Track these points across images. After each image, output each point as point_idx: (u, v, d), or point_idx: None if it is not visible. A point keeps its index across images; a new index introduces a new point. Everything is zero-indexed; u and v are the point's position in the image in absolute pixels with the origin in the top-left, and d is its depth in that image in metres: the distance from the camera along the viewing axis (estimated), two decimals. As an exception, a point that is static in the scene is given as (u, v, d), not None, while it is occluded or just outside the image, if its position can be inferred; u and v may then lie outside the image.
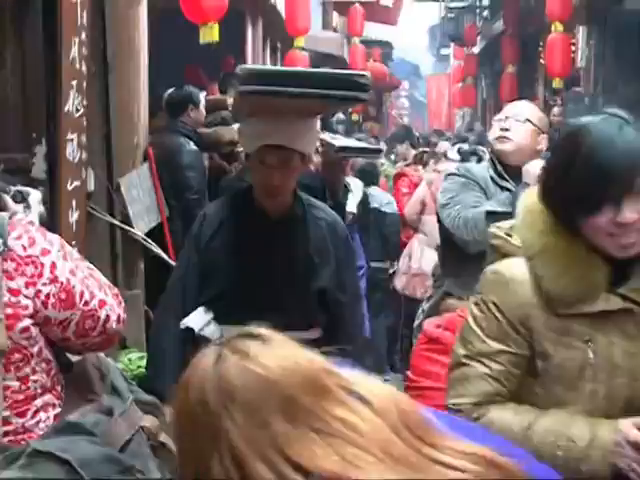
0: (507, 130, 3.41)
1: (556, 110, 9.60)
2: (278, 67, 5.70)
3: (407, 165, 7.54)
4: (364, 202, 5.54)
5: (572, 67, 9.26)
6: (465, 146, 6.66)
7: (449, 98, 25.92)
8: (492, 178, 3.44)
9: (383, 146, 8.23)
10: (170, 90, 5.36)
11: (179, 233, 4.88)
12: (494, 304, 1.85)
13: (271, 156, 2.70)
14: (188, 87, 5.39)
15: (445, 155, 6.72)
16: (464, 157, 5.64)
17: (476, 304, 1.89)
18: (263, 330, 1.12)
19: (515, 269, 1.86)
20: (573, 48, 9.52)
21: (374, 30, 20.47)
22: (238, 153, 5.59)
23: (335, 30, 16.88)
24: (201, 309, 2.77)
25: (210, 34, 5.22)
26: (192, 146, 5.02)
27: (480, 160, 5.83)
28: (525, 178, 3.34)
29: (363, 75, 2.62)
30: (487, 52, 17.98)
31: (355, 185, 5.33)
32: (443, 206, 3.47)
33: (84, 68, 3.68)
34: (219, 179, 5.32)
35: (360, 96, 2.64)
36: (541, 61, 12.22)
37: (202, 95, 5.38)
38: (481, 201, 3.38)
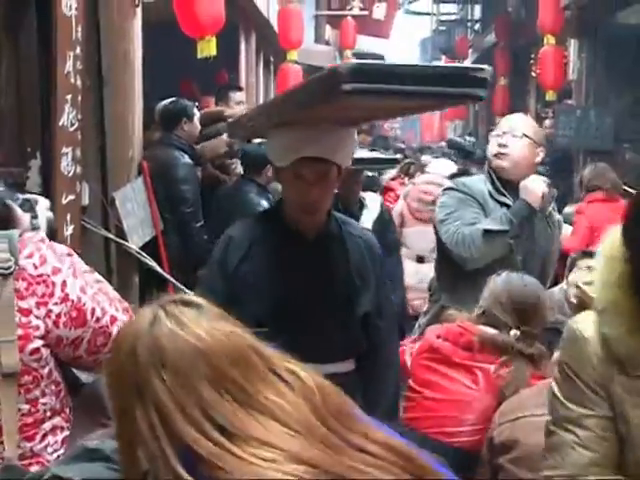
0: (505, 146, 3.42)
1: (547, 123, 9.65)
2: (385, 62, 4.93)
3: (393, 178, 7.44)
4: (382, 218, 5.08)
5: (564, 80, 9.30)
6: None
7: (441, 110, 25.96)
8: (490, 193, 3.44)
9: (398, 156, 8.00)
10: (163, 103, 5.35)
11: (174, 247, 4.87)
12: (567, 365, 1.72)
13: (309, 170, 2.43)
14: (182, 100, 5.38)
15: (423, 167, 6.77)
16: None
17: (557, 364, 1.77)
18: (199, 299, 1.20)
19: (585, 325, 1.70)
20: (565, 61, 9.56)
21: (366, 43, 20.53)
22: (230, 165, 5.59)
23: (327, 43, 16.92)
24: None
25: (208, 48, 5.21)
26: (187, 159, 5.01)
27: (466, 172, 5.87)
28: (522, 194, 3.36)
29: (482, 69, 2.20)
30: (479, 64, 18.04)
31: (371, 199, 5.06)
32: (441, 222, 3.45)
33: (79, 82, 3.68)
34: (213, 189, 5.32)
35: (478, 93, 2.20)
36: (532, 74, 12.28)
37: (196, 109, 5.38)
38: (479, 218, 3.37)
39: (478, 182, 3.53)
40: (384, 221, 4.99)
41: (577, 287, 3.61)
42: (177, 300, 1.17)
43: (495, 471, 2.46)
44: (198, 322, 1.12)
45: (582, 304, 3.58)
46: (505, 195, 3.40)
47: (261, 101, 9.79)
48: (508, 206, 3.37)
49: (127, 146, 4.61)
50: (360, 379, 2.60)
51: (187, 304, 1.16)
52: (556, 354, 1.83)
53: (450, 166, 6.86)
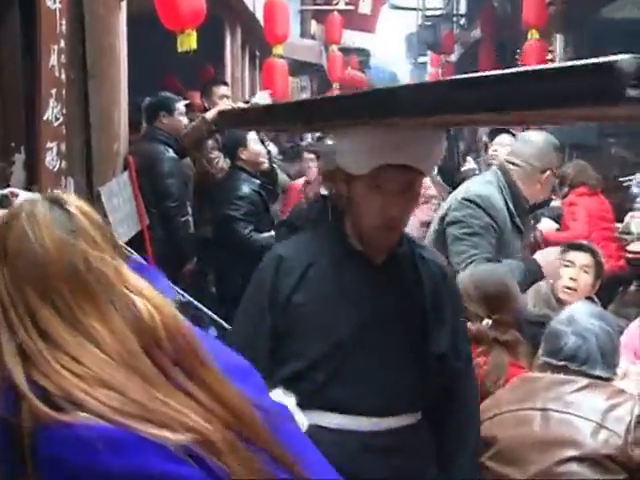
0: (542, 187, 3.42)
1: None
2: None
3: None
4: None
5: (549, 74, 9.31)
6: None
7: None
8: (510, 214, 3.38)
9: None
10: (148, 98, 5.34)
11: (160, 241, 4.86)
12: None
13: (392, 179, 2.01)
14: (163, 94, 5.35)
15: None
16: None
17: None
18: (77, 201, 1.20)
19: None
20: (550, 56, 9.59)
21: (352, 38, 20.52)
22: (213, 159, 5.55)
23: (313, 38, 16.90)
24: (279, 391, 1.99)
25: (188, 42, 5.20)
26: (171, 154, 5.00)
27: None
28: (541, 261, 3.38)
29: None
30: (464, 60, 18.08)
31: None
32: (456, 239, 3.31)
33: (63, 76, 3.65)
34: (205, 186, 5.30)
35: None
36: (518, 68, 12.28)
37: (180, 103, 5.33)
38: (492, 251, 3.29)
39: (498, 197, 3.39)
40: None
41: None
42: (54, 199, 1.19)
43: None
44: (51, 229, 1.14)
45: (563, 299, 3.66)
46: (521, 217, 3.38)
47: (247, 96, 9.77)
48: (519, 229, 3.38)
49: (112, 140, 4.59)
50: (432, 435, 2.19)
51: (60, 206, 1.17)
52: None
53: None
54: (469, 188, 3.51)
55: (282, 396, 1.89)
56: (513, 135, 5.26)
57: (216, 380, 1.15)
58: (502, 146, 5.16)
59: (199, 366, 1.14)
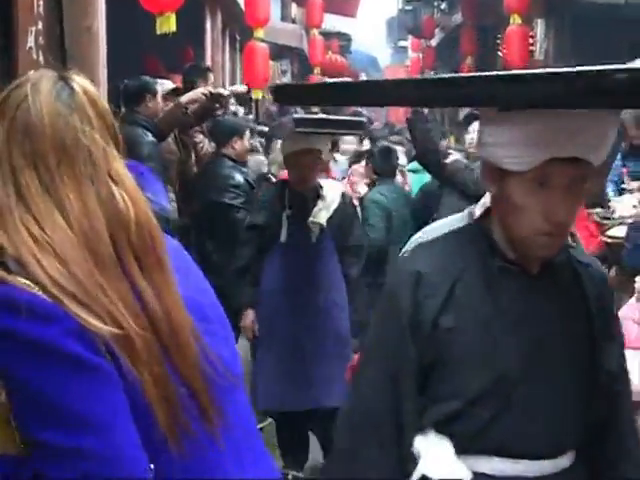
0: None
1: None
2: None
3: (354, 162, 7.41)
4: (343, 212, 4.23)
5: (530, 59, 9.33)
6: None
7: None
8: None
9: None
10: (126, 81, 5.27)
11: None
12: None
13: (560, 175, 1.66)
14: (143, 77, 5.29)
15: None
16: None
17: None
18: (83, 81, 1.22)
19: None
20: (532, 40, 9.60)
21: (333, 22, 20.45)
22: (198, 144, 5.51)
23: (294, 22, 16.84)
24: (431, 435, 1.67)
25: (167, 24, 5.16)
26: (150, 137, 4.94)
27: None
28: None
29: None
30: (445, 44, 18.07)
31: (330, 187, 4.32)
32: None
33: (41, 58, 3.60)
34: (187, 171, 5.27)
35: None
36: (499, 53, 12.31)
37: (158, 85, 5.27)
38: None
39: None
40: (346, 216, 4.29)
41: None
42: (63, 75, 1.22)
43: None
44: (50, 101, 1.16)
45: None
46: None
47: (227, 80, 9.71)
48: None
49: (91, 124, 4.54)
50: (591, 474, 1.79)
51: (65, 81, 1.20)
52: None
53: (404, 159, 6.88)
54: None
55: (435, 441, 1.65)
56: None
57: (166, 284, 1.15)
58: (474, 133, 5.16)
59: (155, 265, 1.15)
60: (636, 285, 3.81)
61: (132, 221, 1.13)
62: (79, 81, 1.20)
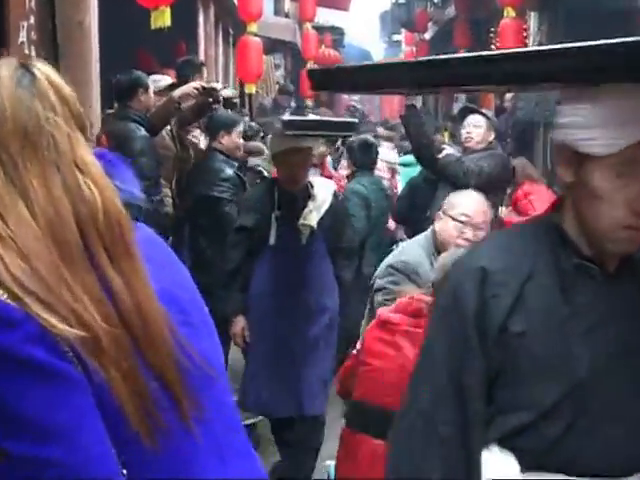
0: (467, 240, 3.37)
1: (508, 95, 9.68)
2: None
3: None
4: (335, 213, 4.12)
5: (524, 52, 9.31)
6: None
7: (401, 84, 25.96)
8: (432, 264, 3.34)
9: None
10: (118, 75, 5.25)
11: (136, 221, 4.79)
12: None
13: None
14: (135, 71, 5.25)
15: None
16: None
17: None
18: (46, 68, 1.16)
19: None
20: (525, 34, 9.58)
21: (326, 16, 20.41)
22: (192, 139, 5.50)
23: (287, 16, 16.80)
24: (495, 450, 1.54)
25: (162, 18, 5.14)
26: (143, 132, 4.92)
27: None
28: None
29: None
30: (439, 38, 18.04)
31: (321, 186, 4.16)
32: (379, 305, 3.29)
33: (33, 53, 3.59)
34: (184, 167, 5.26)
35: None
36: (492, 46, 12.28)
37: (150, 79, 5.23)
38: None
39: (425, 263, 3.39)
40: (338, 217, 4.18)
41: None
42: (24, 63, 1.17)
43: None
44: (11, 88, 1.12)
45: None
46: None
47: (220, 74, 9.68)
48: None
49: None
50: None
51: (27, 69, 1.15)
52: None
53: (392, 153, 6.88)
54: (398, 253, 3.65)
55: (499, 457, 1.52)
56: (484, 115, 5.25)
57: (136, 273, 1.11)
58: (474, 127, 5.15)
59: (124, 254, 1.11)
60: None
61: (99, 209, 1.09)
62: (41, 68, 1.16)
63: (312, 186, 4.06)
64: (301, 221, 3.95)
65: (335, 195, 4.20)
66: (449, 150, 5.31)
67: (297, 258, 4.03)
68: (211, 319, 1.29)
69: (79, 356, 1.01)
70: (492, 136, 5.24)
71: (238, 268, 4.09)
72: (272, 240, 3.96)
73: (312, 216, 3.97)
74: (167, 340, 1.10)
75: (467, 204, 3.49)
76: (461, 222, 3.42)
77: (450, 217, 3.43)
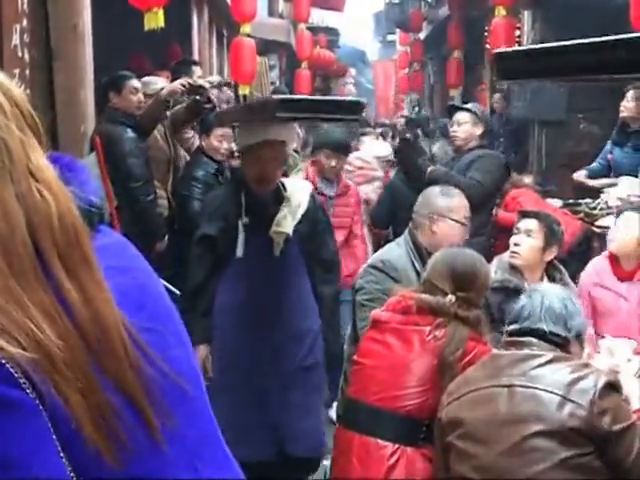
0: (435, 233, 3.45)
1: (496, 97, 9.73)
2: None
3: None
4: (313, 218, 3.59)
5: (517, 51, 9.34)
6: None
7: (396, 84, 25.99)
8: (416, 270, 3.39)
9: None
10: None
11: (129, 223, 4.79)
12: None
13: None
14: (117, 73, 5.22)
15: None
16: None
17: None
18: None
19: None
20: (518, 32, 9.60)
21: (320, 16, 20.41)
22: (189, 139, 5.51)
23: (281, 16, 16.79)
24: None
25: (155, 20, 5.14)
26: (130, 134, 4.91)
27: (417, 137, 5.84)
28: None
29: None
30: (433, 37, 18.06)
31: (296, 187, 3.62)
32: (360, 305, 3.32)
33: (27, 56, 3.59)
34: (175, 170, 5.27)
35: None
36: (486, 45, 12.31)
37: (133, 81, 5.16)
38: None
39: (404, 258, 3.43)
40: (316, 223, 3.62)
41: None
42: None
43: (446, 450, 2.51)
44: None
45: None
46: None
47: (214, 75, 9.68)
48: None
49: (79, 121, 4.53)
50: None
51: None
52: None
53: (384, 148, 6.89)
54: (378, 254, 3.62)
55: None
56: (470, 111, 5.22)
57: (94, 282, 1.03)
58: (459, 124, 5.14)
59: (81, 262, 1.04)
60: None
61: (54, 215, 1.02)
62: None
63: (284, 187, 3.52)
64: (274, 228, 3.40)
65: (312, 197, 3.62)
66: (443, 145, 5.29)
67: (270, 272, 3.47)
68: (183, 327, 1.22)
69: (32, 380, 0.95)
70: (480, 130, 5.15)
71: (202, 286, 3.46)
72: (239, 251, 3.38)
73: (287, 222, 3.41)
74: (127, 348, 1.03)
75: (464, 206, 3.60)
76: (464, 224, 3.52)
77: (455, 221, 3.49)
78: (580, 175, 6.06)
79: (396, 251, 3.50)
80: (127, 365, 1.03)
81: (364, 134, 7.70)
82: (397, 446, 2.74)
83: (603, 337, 3.91)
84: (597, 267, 4.29)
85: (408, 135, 5.78)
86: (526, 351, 2.44)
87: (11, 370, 0.93)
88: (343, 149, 5.27)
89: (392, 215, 5.43)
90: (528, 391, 2.33)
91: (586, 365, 2.40)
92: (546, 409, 2.27)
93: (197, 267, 3.49)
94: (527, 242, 3.79)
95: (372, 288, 3.33)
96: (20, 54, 3.52)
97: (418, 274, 3.33)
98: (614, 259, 4.19)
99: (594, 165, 6.07)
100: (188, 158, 5.39)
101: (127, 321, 1.05)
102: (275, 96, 3.33)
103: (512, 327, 2.55)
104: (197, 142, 5.36)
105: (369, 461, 2.76)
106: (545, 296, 2.53)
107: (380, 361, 2.86)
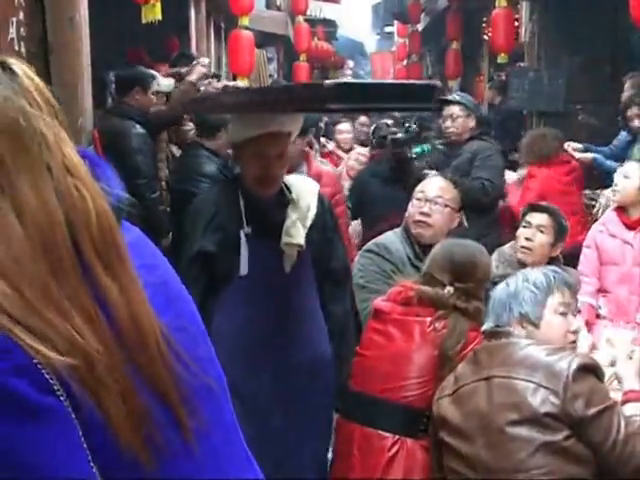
0: (427, 215, 3.48)
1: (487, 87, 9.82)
2: None
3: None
4: (324, 223, 3.01)
5: (516, 42, 9.32)
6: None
7: (394, 76, 25.94)
8: (409, 257, 3.46)
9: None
10: (119, 70, 5.22)
11: (133, 219, 4.76)
12: None
13: None
14: (140, 68, 5.21)
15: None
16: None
17: None
18: (23, 65, 1.07)
19: None
20: (517, 23, 9.58)
21: (318, 8, 20.36)
22: (187, 132, 5.49)
23: (279, 9, 16.75)
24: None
25: (152, 13, 5.13)
26: (139, 129, 4.90)
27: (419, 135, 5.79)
28: None
29: None
30: (431, 29, 18.00)
31: (303, 187, 3.01)
32: (359, 287, 3.38)
33: (23, 49, 3.58)
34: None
35: None
36: (485, 37, 12.27)
37: (158, 80, 5.16)
38: None
39: (397, 243, 3.53)
40: (327, 229, 3.05)
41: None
42: (1, 60, 1.07)
43: (438, 446, 2.52)
44: None
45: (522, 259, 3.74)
46: (422, 260, 3.29)
47: (213, 68, 9.66)
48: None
49: (76, 115, 4.51)
50: None
51: (5, 66, 1.06)
52: None
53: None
54: (372, 240, 3.71)
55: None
56: (458, 103, 5.17)
57: (131, 281, 1.03)
58: (452, 119, 5.10)
59: (118, 261, 1.02)
60: None
61: (92, 213, 1.00)
62: (19, 64, 1.08)
63: (288, 188, 2.95)
64: (285, 239, 2.84)
65: (320, 198, 3.04)
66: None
67: (278, 292, 2.92)
68: (202, 322, 1.23)
69: (68, 386, 0.93)
70: (473, 122, 5.15)
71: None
72: (243, 268, 2.81)
73: (297, 231, 2.85)
74: (162, 349, 1.03)
75: (423, 183, 3.70)
76: (418, 199, 3.55)
77: (413, 199, 3.58)
78: (574, 147, 6.01)
79: (391, 237, 3.60)
80: (161, 365, 1.02)
81: (338, 122, 7.51)
82: (397, 437, 2.75)
83: (608, 292, 4.03)
84: (605, 218, 4.53)
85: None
86: (503, 340, 2.44)
87: (46, 376, 0.92)
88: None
89: (360, 208, 5.39)
90: (504, 381, 2.33)
91: (562, 349, 2.37)
92: (520, 397, 2.26)
93: (193, 291, 2.69)
94: (539, 238, 3.77)
95: (369, 269, 3.43)
96: (17, 47, 3.50)
97: (414, 267, 3.36)
98: (621, 209, 4.41)
99: (605, 148, 6.08)
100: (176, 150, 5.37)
101: (161, 321, 1.04)
102: (328, 81, 1.92)
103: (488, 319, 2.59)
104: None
105: (370, 452, 2.76)
106: (513, 280, 2.56)
107: (381, 352, 2.86)
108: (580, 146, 6.03)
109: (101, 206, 1.02)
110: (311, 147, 5.35)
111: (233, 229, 2.85)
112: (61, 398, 0.93)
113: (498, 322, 2.50)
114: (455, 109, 5.12)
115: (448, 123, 5.15)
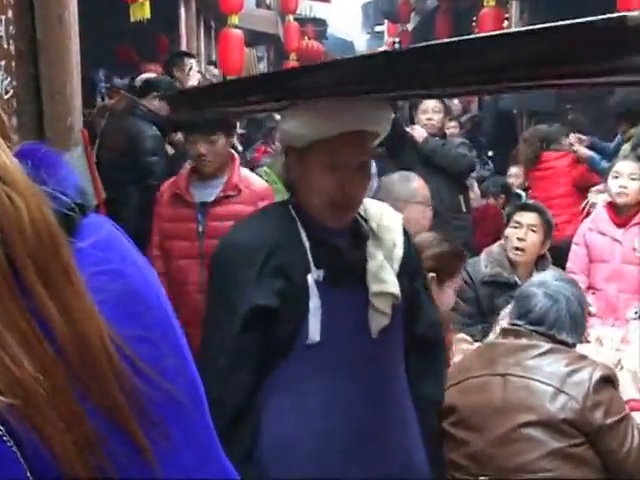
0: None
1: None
2: None
3: (257, 149, 7.16)
4: (409, 264, 2.07)
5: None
6: None
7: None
8: None
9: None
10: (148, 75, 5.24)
11: (138, 218, 4.70)
12: None
13: None
14: (165, 77, 5.21)
15: None
16: None
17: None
18: None
19: None
20: (507, 22, 9.59)
21: (308, 7, 20.37)
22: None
23: (269, 8, 16.75)
24: None
25: (141, 11, 5.12)
26: (154, 131, 4.89)
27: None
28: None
29: None
30: (421, 28, 18.03)
31: (384, 218, 2.09)
32: None
33: (12, 47, 3.55)
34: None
35: None
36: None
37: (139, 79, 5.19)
38: None
39: None
40: (414, 273, 2.12)
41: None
42: None
43: (441, 436, 2.51)
44: None
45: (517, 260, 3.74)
46: None
47: (203, 67, 9.64)
48: None
49: (65, 114, 4.48)
50: None
51: None
52: (506, 308, 1.89)
53: None
54: None
55: None
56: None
57: (76, 296, 0.92)
58: (436, 113, 5.09)
59: (60, 275, 0.91)
60: None
61: (26, 222, 0.89)
62: None
63: (361, 215, 2.05)
64: (374, 288, 1.93)
65: (405, 231, 2.13)
66: (417, 129, 5.14)
67: (365, 368, 1.97)
68: (180, 332, 1.06)
69: (9, 424, 0.84)
70: (448, 120, 5.30)
71: (244, 408, 1.89)
72: (314, 333, 1.88)
73: (389, 275, 1.96)
74: (113, 360, 0.92)
75: (424, 187, 3.41)
76: (428, 205, 3.35)
77: (418, 203, 3.31)
78: (579, 137, 6.05)
79: None
80: (112, 380, 0.92)
81: (273, 128, 7.09)
82: None
83: (597, 289, 4.03)
84: (595, 215, 4.46)
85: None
86: (524, 341, 2.43)
87: None
88: (218, 128, 3.63)
89: None
90: (523, 381, 2.33)
91: (583, 357, 2.40)
92: (539, 400, 2.27)
93: (247, 371, 1.90)
94: (531, 237, 3.78)
95: None
96: (5, 46, 3.48)
97: None
98: (612, 206, 4.34)
99: (610, 144, 6.09)
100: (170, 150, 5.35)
101: (113, 331, 0.93)
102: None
103: (530, 327, 2.48)
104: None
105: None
106: (568, 300, 2.48)
107: None
108: (584, 138, 6.05)
109: (38, 213, 0.90)
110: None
111: (299, 274, 1.90)
112: (4, 439, 0.85)
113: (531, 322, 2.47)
114: (437, 103, 5.09)
115: (431, 114, 5.09)
